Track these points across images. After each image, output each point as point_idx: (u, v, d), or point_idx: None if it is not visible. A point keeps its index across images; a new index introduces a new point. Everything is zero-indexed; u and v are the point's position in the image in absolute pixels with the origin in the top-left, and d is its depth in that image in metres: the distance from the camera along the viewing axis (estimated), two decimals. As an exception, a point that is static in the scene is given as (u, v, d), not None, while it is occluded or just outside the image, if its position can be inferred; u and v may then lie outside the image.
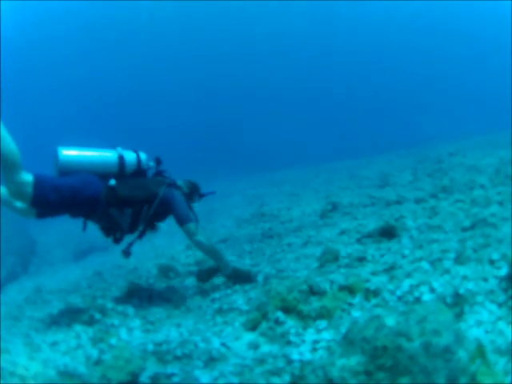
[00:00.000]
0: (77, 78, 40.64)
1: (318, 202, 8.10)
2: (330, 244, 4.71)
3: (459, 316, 2.57)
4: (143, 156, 4.33)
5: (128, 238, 4.37)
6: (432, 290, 2.79)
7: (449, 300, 2.67)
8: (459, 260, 3.32)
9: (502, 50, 45.60)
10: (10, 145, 3.38)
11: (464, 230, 4.18)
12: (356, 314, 2.84)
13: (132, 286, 4.66)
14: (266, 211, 8.45)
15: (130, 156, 4.19)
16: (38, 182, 3.58)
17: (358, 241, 4.57)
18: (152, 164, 4.44)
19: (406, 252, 3.71)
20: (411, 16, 37.97)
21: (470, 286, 2.78)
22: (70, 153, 3.88)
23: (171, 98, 42.85)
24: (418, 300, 2.72)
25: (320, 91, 46.95)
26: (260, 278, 4.36)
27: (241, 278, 4.35)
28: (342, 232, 5.21)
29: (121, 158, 4.11)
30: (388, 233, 4.42)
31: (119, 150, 4.16)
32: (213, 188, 4.96)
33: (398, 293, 2.86)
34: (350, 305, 2.99)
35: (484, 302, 2.64)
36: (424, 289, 2.82)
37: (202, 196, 4.78)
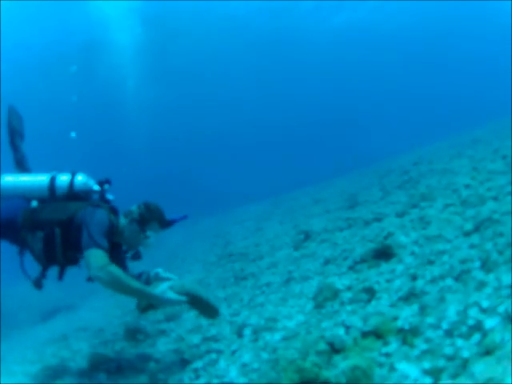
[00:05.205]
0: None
1: (286, 233, 7.40)
2: (323, 277, 4.00)
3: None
4: (81, 179, 3.83)
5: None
6: (484, 311, 2.12)
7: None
8: (488, 267, 2.72)
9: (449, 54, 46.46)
10: None
11: (468, 234, 3.62)
12: (404, 367, 2.06)
13: (97, 357, 4.03)
14: (233, 250, 7.73)
15: (61, 179, 3.84)
16: None
17: (352, 268, 3.87)
18: (97, 188, 3.83)
19: (418, 272, 3.05)
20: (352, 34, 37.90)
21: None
22: (7, 179, 3.89)
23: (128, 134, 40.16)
24: (478, 329, 2.02)
25: (266, 120, 46.69)
26: (247, 332, 3.61)
27: (198, 304, 3.44)
28: (327, 261, 4.51)
29: (52, 180, 3.82)
30: (383, 253, 3.78)
31: (54, 173, 3.88)
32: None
33: (445, 326, 2.15)
34: (388, 355, 2.20)
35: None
36: (473, 312, 2.14)
37: (169, 224, 3.71)
